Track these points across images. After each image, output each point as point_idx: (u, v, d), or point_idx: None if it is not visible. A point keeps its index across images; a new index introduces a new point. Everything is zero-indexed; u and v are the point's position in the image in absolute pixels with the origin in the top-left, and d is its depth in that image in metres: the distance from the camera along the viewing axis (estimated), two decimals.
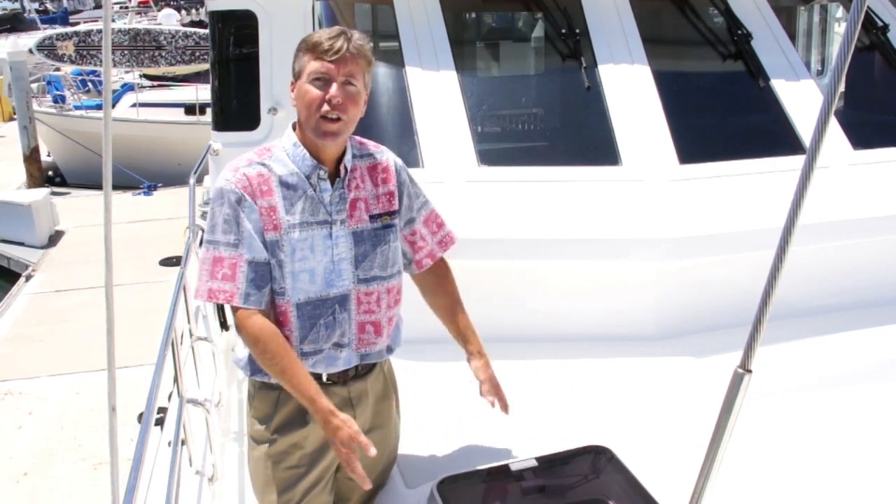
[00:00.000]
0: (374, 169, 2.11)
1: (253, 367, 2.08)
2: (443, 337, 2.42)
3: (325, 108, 1.91)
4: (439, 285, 2.31)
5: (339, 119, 1.93)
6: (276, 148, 2.03)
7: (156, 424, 2.77)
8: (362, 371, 2.13)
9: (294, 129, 2.05)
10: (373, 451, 1.93)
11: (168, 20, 21.93)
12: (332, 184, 2.02)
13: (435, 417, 2.53)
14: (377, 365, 2.19)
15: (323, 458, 2.10)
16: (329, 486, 2.16)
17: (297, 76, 1.98)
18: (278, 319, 2.01)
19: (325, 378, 2.07)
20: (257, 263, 1.95)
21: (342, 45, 1.91)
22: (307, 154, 2.00)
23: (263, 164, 1.98)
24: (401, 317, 2.25)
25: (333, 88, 1.91)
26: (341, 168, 2.03)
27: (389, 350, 2.20)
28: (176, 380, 3.07)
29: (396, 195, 2.13)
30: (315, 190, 1.99)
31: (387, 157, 2.16)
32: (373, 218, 2.06)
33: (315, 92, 1.92)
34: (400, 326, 2.25)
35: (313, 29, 3.56)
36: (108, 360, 1.92)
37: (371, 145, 2.16)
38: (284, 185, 1.97)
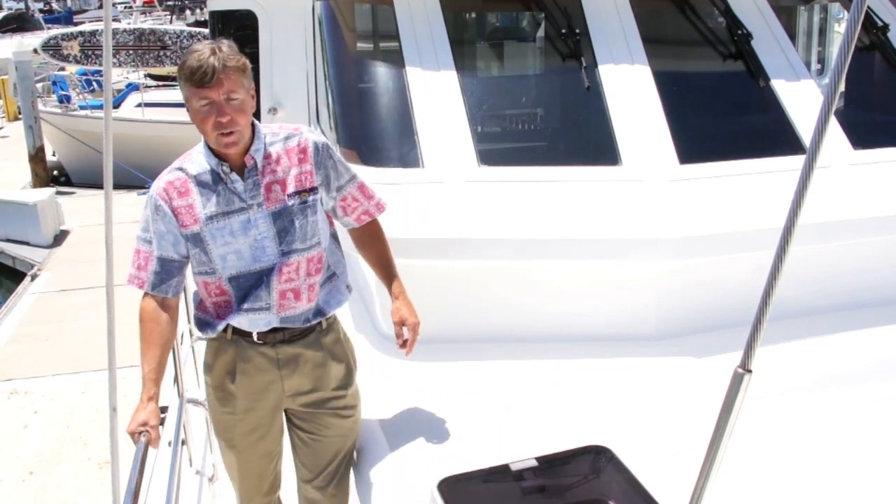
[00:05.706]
0: (291, 151, 2.29)
1: (200, 326, 2.37)
2: (442, 337, 2.43)
3: (219, 129, 2.12)
4: (372, 239, 2.53)
5: (232, 132, 2.13)
6: (194, 151, 2.28)
7: None
8: (290, 336, 2.32)
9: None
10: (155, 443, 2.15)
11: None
12: (243, 174, 2.21)
13: (435, 417, 2.54)
14: (313, 332, 2.35)
15: (254, 410, 2.36)
16: (270, 436, 2.42)
17: (186, 100, 2.16)
18: (215, 293, 2.28)
19: (255, 338, 2.30)
20: (165, 260, 2.26)
21: (212, 68, 2.06)
22: (212, 154, 2.23)
23: (181, 169, 2.25)
24: (340, 283, 2.42)
25: (219, 111, 2.10)
26: (247, 159, 2.21)
27: (320, 313, 2.36)
28: (176, 380, 3.09)
29: (314, 173, 2.30)
30: (227, 183, 2.21)
31: (305, 137, 2.32)
32: (290, 196, 2.26)
33: (205, 116, 2.12)
34: (336, 292, 2.41)
35: (314, 29, 3.57)
36: (109, 360, 1.94)
37: (288, 128, 2.34)
38: (200, 183, 2.23)
